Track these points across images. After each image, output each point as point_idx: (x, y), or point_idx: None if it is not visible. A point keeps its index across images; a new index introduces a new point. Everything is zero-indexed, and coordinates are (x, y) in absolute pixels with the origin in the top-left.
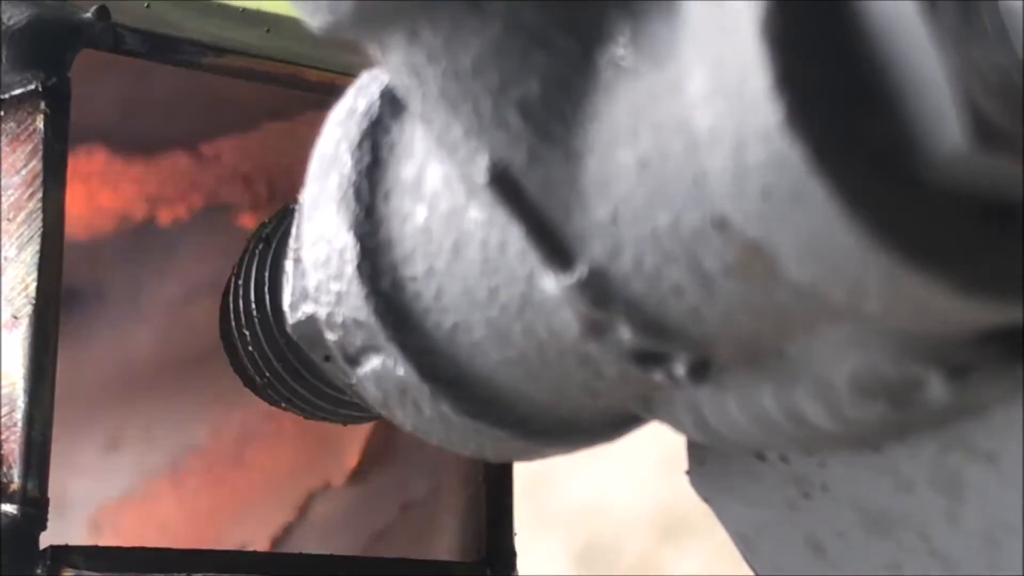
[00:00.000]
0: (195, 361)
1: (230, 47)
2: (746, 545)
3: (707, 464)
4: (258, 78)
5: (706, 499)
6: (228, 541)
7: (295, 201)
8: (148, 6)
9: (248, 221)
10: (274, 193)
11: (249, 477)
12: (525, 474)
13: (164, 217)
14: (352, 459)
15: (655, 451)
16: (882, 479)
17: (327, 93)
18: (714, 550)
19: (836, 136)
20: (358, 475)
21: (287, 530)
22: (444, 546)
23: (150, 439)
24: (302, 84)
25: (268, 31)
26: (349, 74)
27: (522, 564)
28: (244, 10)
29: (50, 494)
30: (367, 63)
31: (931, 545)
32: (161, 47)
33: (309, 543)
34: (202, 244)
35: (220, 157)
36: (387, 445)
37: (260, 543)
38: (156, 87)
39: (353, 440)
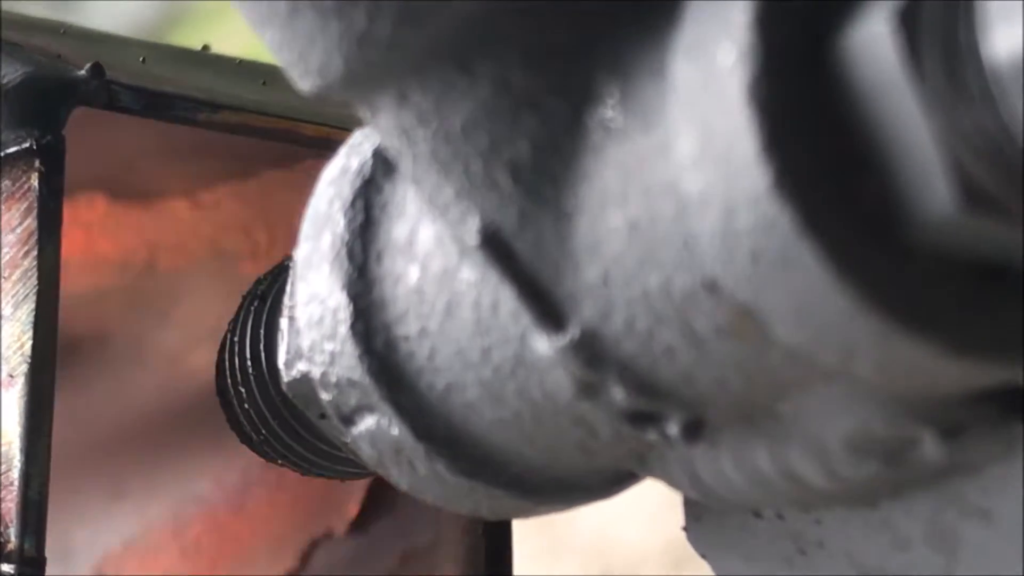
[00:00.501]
0: (197, 409)
1: (226, 102)
2: None
3: (704, 521)
4: (254, 133)
5: (703, 555)
6: None
7: (290, 257)
8: (144, 60)
9: (249, 268)
10: (274, 240)
11: (251, 526)
12: None
13: (165, 265)
14: (353, 508)
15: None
16: (878, 536)
17: (323, 148)
18: None
19: (824, 200)
20: (359, 524)
21: None
22: None
23: (152, 488)
24: (298, 139)
25: (264, 83)
26: (346, 128)
27: None
28: (241, 61)
29: (54, 542)
30: (363, 118)
31: None
32: (156, 104)
33: None
34: (203, 292)
35: (220, 204)
36: (388, 494)
37: None
38: (154, 136)
39: (354, 489)
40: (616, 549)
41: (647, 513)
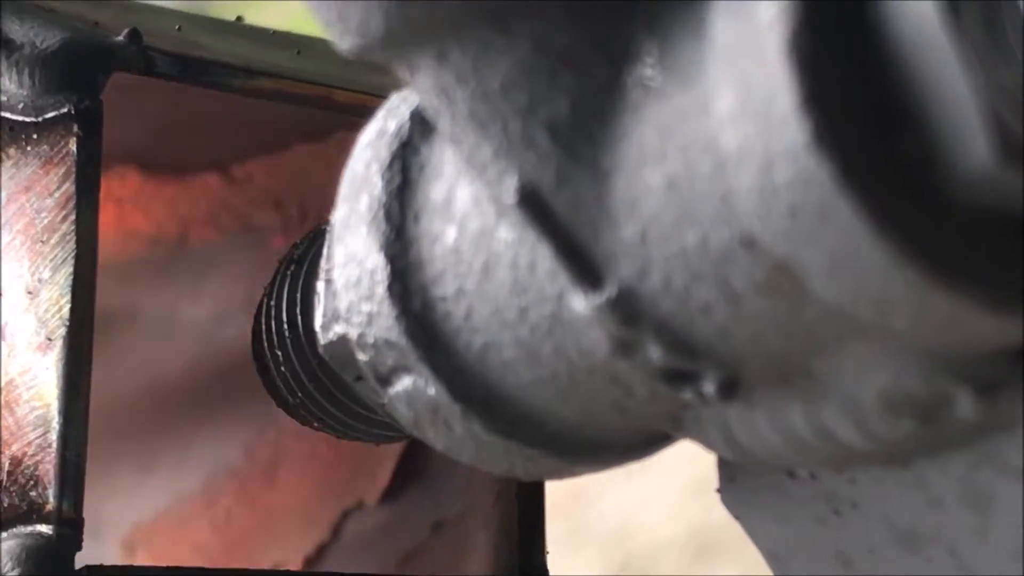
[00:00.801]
0: (227, 382)
1: (261, 69)
2: (777, 562)
3: (737, 481)
4: (288, 99)
5: (737, 516)
6: (262, 561)
7: (327, 222)
8: (179, 29)
9: (279, 242)
10: (305, 214)
11: (282, 497)
12: (560, 493)
13: (196, 238)
14: (385, 478)
15: (688, 473)
16: (912, 496)
17: (357, 114)
18: (746, 571)
19: (863, 154)
20: (391, 494)
21: (320, 549)
22: (476, 564)
23: (183, 460)
24: (332, 105)
25: (298, 52)
26: (379, 95)
27: None
28: (274, 32)
29: (85, 516)
30: (397, 84)
31: (961, 561)
32: (192, 69)
33: (342, 562)
34: (234, 265)
35: (251, 178)
36: (420, 464)
37: (294, 563)
38: (187, 109)
39: (386, 459)
40: (638, 537)
41: (670, 501)
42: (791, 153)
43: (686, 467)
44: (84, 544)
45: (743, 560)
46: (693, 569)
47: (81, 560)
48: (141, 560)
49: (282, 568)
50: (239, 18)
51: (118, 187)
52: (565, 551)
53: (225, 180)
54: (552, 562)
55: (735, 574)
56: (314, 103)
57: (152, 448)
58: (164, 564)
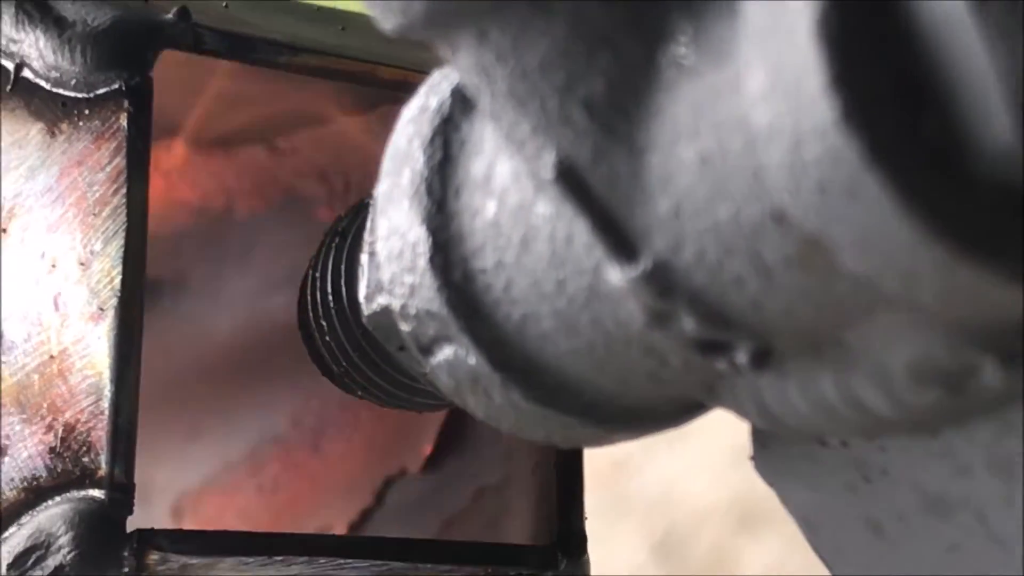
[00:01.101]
0: (273, 351)
1: (306, 45)
2: (809, 528)
3: (770, 449)
4: (333, 76)
5: (770, 483)
6: (306, 527)
7: (370, 195)
8: (226, 6)
9: (325, 214)
10: (350, 186)
11: (327, 464)
12: (601, 463)
13: (242, 210)
14: (427, 446)
15: (729, 441)
16: (940, 463)
17: (400, 89)
18: (788, 540)
19: (890, 132)
20: (433, 461)
21: (364, 516)
22: (516, 531)
23: (230, 428)
24: (376, 81)
25: (343, 29)
26: (422, 71)
27: (598, 551)
28: (319, 8)
29: (135, 481)
30: (439, 60)
31: (989, 528)
32: (239, 46)
33: (385, 528)
34: (280, 236)
35: (297, 151)
36: (461, 432)
37: (338, 528)
38: (234, 84)
39: (428, 427)
40: (680, 505)
41: (711, 470)
42: (820, 131)
43: (727, 436)
44: (135, 509)
45: (785, 528)
46: (736, 537)
47: (132, 525)
48: (188, 526)
49: (327, 532)
50: None
51: (165, 159)
52: (606, 521)
53: (271, 152)
54: (593, 532)
55: (777, 542)
56: (358, 79)
57: (199, 416)
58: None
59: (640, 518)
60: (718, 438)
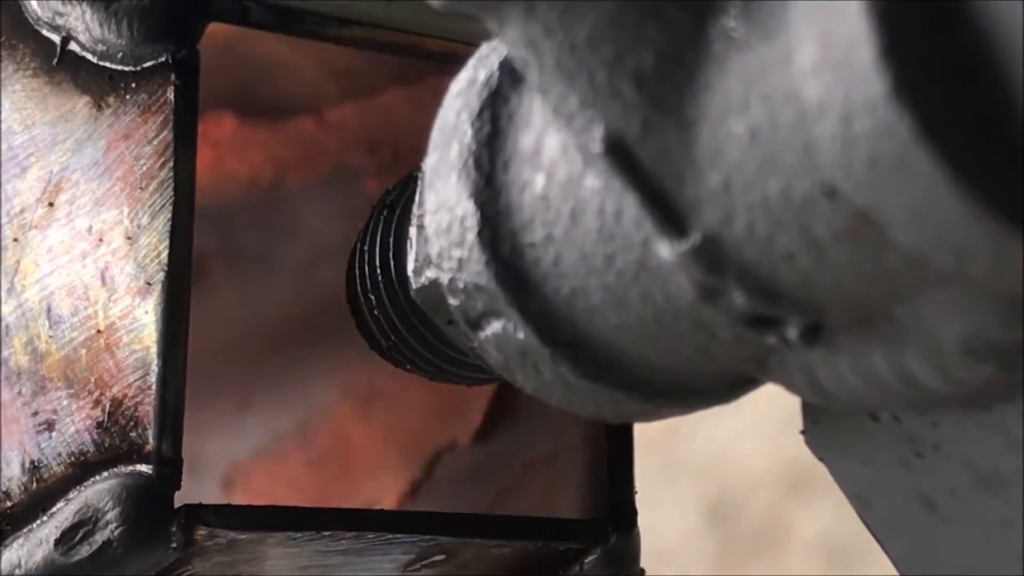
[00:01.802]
0: (322, 323)
1: (354, 18)
2: (860, 503)
3: (821, 424)
4: (381, 48)
5: (821, 458)
6: (356, 499)
7: (419, 168)
8: None
9: (373, 185)
10: (398, 157)
11: (377, 436)
12: (654, 428)
13: (291, 181)
14: (477, 418)
15: (781, 407)
16: (993, 439)
17: (449, 62)
18: (840, 505)
19: (940, 106)
20: (483, 434)
21: (414, 488)
22: (567, 503)
23: (279, 400)
24: (424, 53)
25: (391, 0)
26: (470, 43)
27: (650, 517)
28: None
29: (184, 454)
30: (488, 32)
31: None
32: (286, 19)
33: (436, 501)
34: (329, 208)
35: (345, 122)
36: (511, 404)
37: (388, 500)
38: (282, 55)
39: (478, 399)
40: (732, 470)
41: (765, 435)
42: (870, 105)
43: (779, 401)
44: (184, 482)
45: (837, 493)
46: (788, 502)
47: (180, 498)
48: (238, 498)
49: (377, 506)
50: None
51: (214, 131)
52: (660, 485)
53: (319, 124)
54: (645, 498)
55: (830, 507)
56: (406, 51)
57: (249, 387)
58: (261, 502)
59: (692, 483)
60: (770, 403)
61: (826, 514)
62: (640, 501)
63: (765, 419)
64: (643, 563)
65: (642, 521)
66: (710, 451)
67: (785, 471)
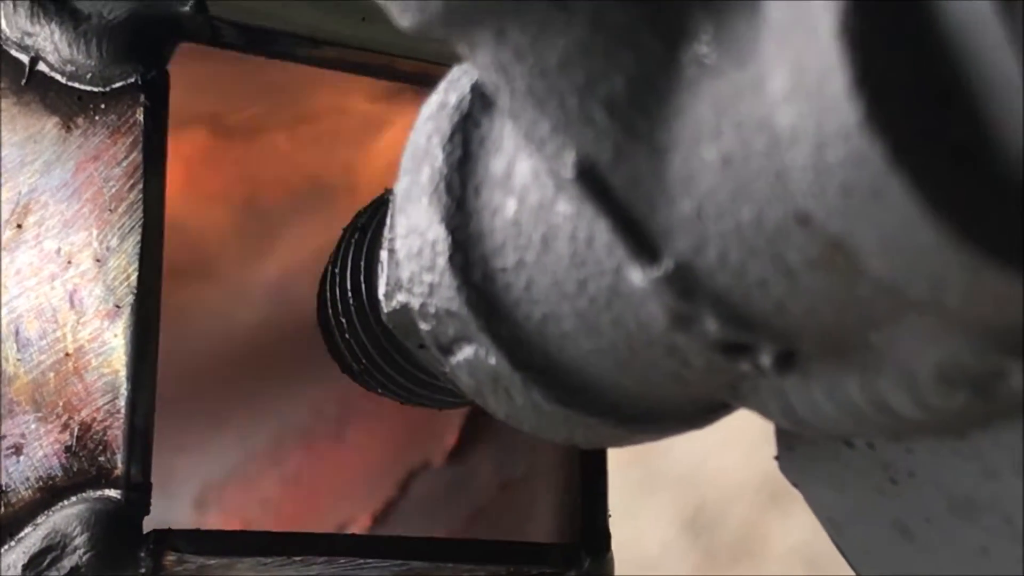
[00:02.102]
0: (296, 341)
1: (326, 38)
2: (835, 529)
3: (796, 450)
4: (353, 68)
5: (795, 484)
6: (330, 518)
7: (391, 190)
8: None
9: (348, 203)
10: (373, 175)
11: (350, 456)
12: None
13: (265, 199)
14: (451, 438)
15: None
16: (967, 466)
17: (421, 82)
18: None
19: (914, 134)
20: (457, 454)
21: (388, 508)
22: (541, 525)
23: (253, 418)
24: (397, 74)
25: (363, 20)
26: (442, 64)
27: (629, 528)
28: (339, 0)
29: (156, 472)
30: (461, 55)
31: (1016, 529)
32: (258, 39)
33: (410, 521)
34: (303, 226)
35: (320, 140)
36: (485, 425)
37: (362, 520)
38: (255, 73)
39: (452, 420)
40: (712, 482)
41: (744, 446)
42: (844, 132)
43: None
44: (156, 502)
45: None
46: (767, 514)
47: (153, 518)
48: (212, 517)
49: (350, 526)
50: None
51: (187, 148)
52: (639, 496)
53: (293, 141)
54: (624, 509)
55: (808, 519)
56: (379, 72)
57: (222, 406)
58: (235, 522)
59: (671, 495)
60: (747, 416)
61: (804, 525)
62: (620, 512)
63: (743, 432)
64: (623, 573)
65: (622, 532)
66: (689, 463)
67: (763, 483)
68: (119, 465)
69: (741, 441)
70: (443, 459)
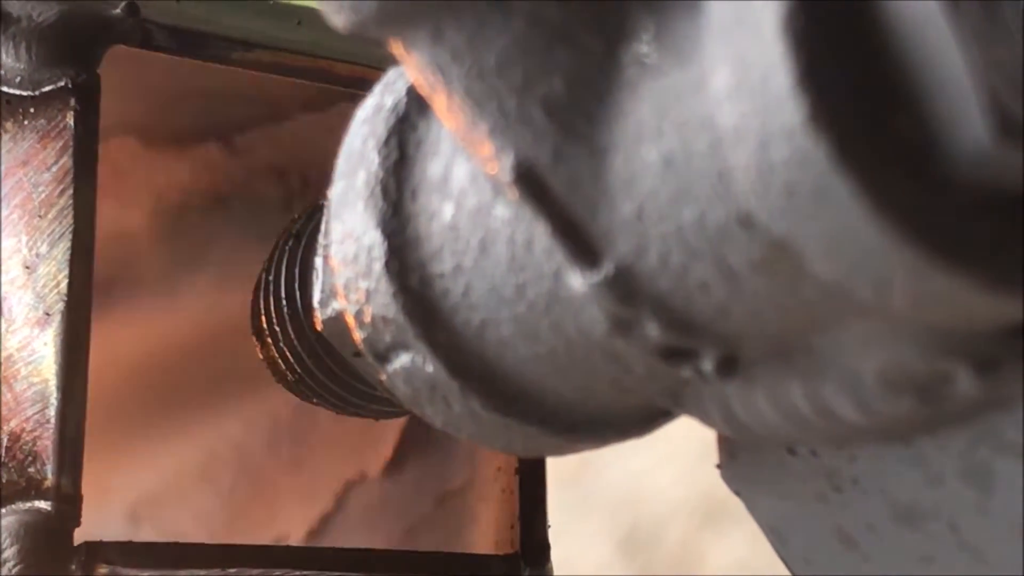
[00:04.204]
0: (229, 352)
1: (260, 41)
2: (777, 538)
3: (738, 458)
4: (288, 72)
5: (737, 492)
6: (265, 532)
7: (325, 197)
8: (177, 1)
9: (281, 213)
10: (307, 184)
11: (285, 468)
12: (568, 460)
13: (197, 208)
14: (388, 450)
15: (696, 437)
16: (912, 472)
17: (357, 87)
18: (754, 536)
19: (859, 133)
20: (394, 466)
21: (324, 521)
22: (480, 537)
23: (186, 431)
24: (332, 78)
25: (299, 23)
26: (379, 68)
27: (564, 548)
28: (274, 3)
29: (88, 484)
30: (396, 56)
31: (961, 537)
32: (190, 43)
33: (346, 534)
34: (236, 236)
35: (253, 148)
36: (422, 436)
37: (297, 534)
38: (188, 79)
39: (389, 431)
40: (646, 503)
41: (680, 464)
42: (787, 132)
43: (694, 433)
44: (89, 514)
45: (752, 525)
46: (702, 533)
47: (84, 531)
48: (146, 531)
49: (286, 539)
50: None
51: (118, 156)
52: (573, 517)
53: (226, 150)
54: (559, 528)
55: (743, 538)
56: (314, 75)
57: (155, 418)
58: (168, 535)
59: (606, 514)
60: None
61: (741, 545)
62: (554, 533)
63: (679, 451)
64: None
65: (558, 551)
66: (624, 483)
67: (699, 502)
68: (49, 476)
69: (676, 462)
70: (380, 471)
